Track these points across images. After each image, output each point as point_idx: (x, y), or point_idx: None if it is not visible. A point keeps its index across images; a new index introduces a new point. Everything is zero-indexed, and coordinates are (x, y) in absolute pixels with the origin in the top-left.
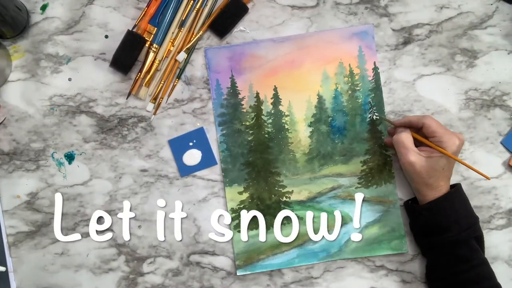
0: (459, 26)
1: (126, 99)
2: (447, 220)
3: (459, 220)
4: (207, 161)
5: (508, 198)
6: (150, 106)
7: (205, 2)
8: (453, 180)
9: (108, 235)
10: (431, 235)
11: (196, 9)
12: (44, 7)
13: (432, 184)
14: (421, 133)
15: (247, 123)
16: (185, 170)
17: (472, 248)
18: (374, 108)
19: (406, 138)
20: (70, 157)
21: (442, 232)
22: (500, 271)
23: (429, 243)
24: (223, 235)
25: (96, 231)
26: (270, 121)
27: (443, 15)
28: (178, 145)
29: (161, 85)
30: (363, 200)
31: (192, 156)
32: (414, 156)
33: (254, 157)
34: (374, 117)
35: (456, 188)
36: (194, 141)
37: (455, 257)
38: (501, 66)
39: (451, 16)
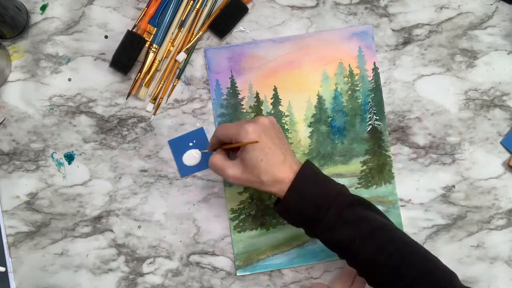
0: (459, 27)
1: (126, 99)
2: (306, 210)
3: (318, 202)
4: (207, 161)
5: (508, 198)
6: (150, 107)
7: (205, 2)
8: (453, 180)
9: (108, 235)
10: (307, 227)
11: (196, 9)
12: (43, 7)
13: (268, 180)
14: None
15: None
16: (185, 171)
17: (348, 221)
18: (374, 108)
19: (216, 159)
20: (69, 158)
21: (311, 222)
22: (500, 271)
23: (312, 234)
24: (222, 235)
25: (96, 231)
26: None
27: (443, 15)
28: (178, 146)
29: (161, 85)
30: None
31: (192, 157)
32: (230, 169)
33: None
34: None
35: (299, 173)
36: (194, 141)
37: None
38: (501, 67)
39: (451, 16)
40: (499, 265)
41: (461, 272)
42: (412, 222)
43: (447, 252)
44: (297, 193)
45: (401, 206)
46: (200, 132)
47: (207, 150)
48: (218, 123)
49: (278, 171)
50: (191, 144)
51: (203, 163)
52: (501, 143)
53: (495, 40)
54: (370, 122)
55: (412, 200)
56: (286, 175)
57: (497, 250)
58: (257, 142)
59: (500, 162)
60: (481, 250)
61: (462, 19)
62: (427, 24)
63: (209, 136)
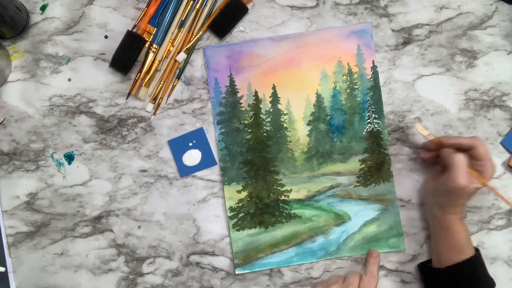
0: (458, 27)
1: (126, 99)
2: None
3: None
4: (207, 161)
5: (508, 198)
6: (150, 107)
7: (205, 2)
8: None
9: (108, 236)
10: None
11: (195, 9)
12: (43, 8)
13: (458, 206)
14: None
15: (246, 122)
16: (184, 171)
17: None
18: (373, 106)
19: (464, 160)
20: (69, 158)
21: None
22: (500, 271)
23: None
24: (222, 235)
25: (96, 231)
26: (268, 119)
27: (443, 15)
28: (178, 146)
29: (160, 85)
30: (362, 199)
31: (192, 157)
32: (467, 181)
33: (253, 155)
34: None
35: (478, 253)
36: (194, 141)
37: None
38: (501, 67)
39: (451, 16)
40: (499, 265)
41: None
42: (412, 222)
43: None
44: (472, 264)
45: (401, 206)
46: (200, 132)
47: (442, 141)
48: (217, 122)
49: (466, 204)
50: (191, 144)
51: (203, 163)
52: (501, 143)
53: (495, 40)
54: (369, 121)
55: (412, 200)
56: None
57: (497, 250)
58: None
59: (500, 162)
60: (481, 250)
61: (462, 19)
62: (427, 24)
63: (209, 136)
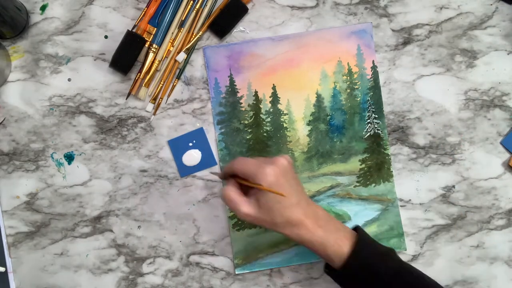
0: (458, 27)
1: (126, 99)
2: (369, 276)
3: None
4: (207, 161)
5: (508, 198)
6: (150, 107)
7: (205, 2)
8: (453, 180)
9: (108, 236)
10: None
11: (195, 9)
12: (43, 8)
13: (280, 222)
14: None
15: (246, 122)
16: (184, 171)
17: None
18: (373, 106)
19: (230, 191)
20: (69, 158)
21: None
22: (500, 271)
23: None
24: (222, 235)
25: (96, 231)
26: (268, 119)
27: (443, 15)
28: (178, 146)
29: (160, 85)
30: (362, 199)
31: (192, 157)
32: (244, 207)
33: (253, 155)
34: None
35: (358, 237)
36: (194, 141)
37: None
38: (501, 67)
39: (451, 16)
40: (499, 265)
41: (461, 272)
42: (412, 222)
43: (447, 252)
44: (357, 262)
45: (401, 206)
46: (200, 132)
47: (216, 175)
48: (217, 122)
49: (291, 213)
50: (191, 144)
51: (203, 163)
52: (501, 143)
53: (495, 40)
54: (369, 121)
55: (412, 200)
56: (299, 217)
57: (497, 250)
58: (283, 195)
59: (500, 162)
60: (481, 250)
61: (462, 19)
62: (427, 24)
63: (209, 136)
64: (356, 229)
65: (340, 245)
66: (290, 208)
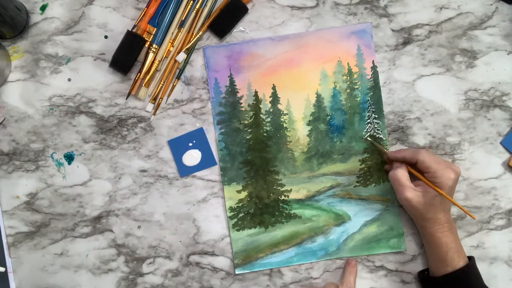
0: (458, 27)
1: (126, 99)
2: None
3: None
4: (207, 161)
5: (508, 198)
6: (150, 107)
7: (205, 2)
8: None
9: (108, 236)
10: None
11: (195, 9)
12: (43, 8)
13: (431, 218)
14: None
15: (246, 122)
16: (184, 171)
17: None
18: (373, 106)
19: (402, 175)
20: (69, 158)
21: None
22: (500, 271)
23: None
24: (222, 235)
25: (96, 231)
26: (268, 119)
27: (443, 15)
28: (178, 146)
29: (160, 85)
30: (362, 199)
31: (192, 157)
32: (410, 193)
33: (253, 155)
34: (369, 137)
35: (472, 262)
36: (194, 141)
37: None
38: (501, 67)
39: (451, 16)
40: (499, 265)
41: None
42: (412, 223)
43: None
44: (463, 278)
45: (401, 206)
46: (200, 132)
47: (388, 154)
48: (217, 122)
49: (443, 215)
50: (190, 144)
51: (203, 163)
52: (501, 143)
53: (495, 40)
54: (369, 121)
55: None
56: (445, 218)
57: (497, 250)
58: (474, 218)
59: (500, 162)
60: (481, 250)
61: (462, 19)
62: (427, 24)
63: (209, 136)
64: (471, 258)
65: (459, 257)
66: (444, 211)
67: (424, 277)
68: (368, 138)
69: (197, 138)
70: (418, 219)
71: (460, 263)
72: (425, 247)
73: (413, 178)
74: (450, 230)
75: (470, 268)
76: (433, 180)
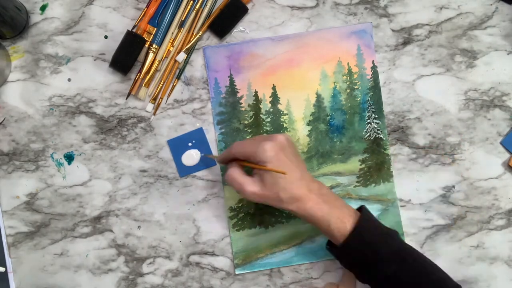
0: (458, 27)
1: (126, 99)
2: (368, 256)
3: (380, 252)
4: (206, 161)
5: (508, 198)
6: (150, 107)
7: (205, 2)
8: (453, 180)
9: (108, 236)
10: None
11: (195, 9)
12: (43, 8)
13: (288, 197)
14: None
15: (246, 122)
16: (184, 171)
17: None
18: (373, 106)
19: (234, 172)
20: (69, 158)
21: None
22: (500, 271)
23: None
24: (222, 235)
25: (96, 231)
26: (268, 119)
27: (443, 15)
28: (177, 146)
29: (160, 85)
30: (362, 199)
31: (191, 157)
32: (249, 186)
33: None
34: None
35: (360, 217)
36: (193, 141)
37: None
38: (501, 67)
39: (451, 16)
40: (499, 265)
41: (461, 272)
42: (412, 223)
43: (447, 253)
44: (359, 239)
45: (401, 206)
46: (200, 132)
47: (215, 158)
48: (217, 122)
49: (296, 188)
50: (190, 144)
51: (202, 163)
52: (501, 143)
53: (495, 40)
54: (369, 121)
55: (412, 200)
56: (304, 192)
57: (497, 250)
58: (284, 173)
59: (500, 162)
60: (481, 250)
61: (462, 19)
62: (427, 24)
63: (209, 136)
64: (361, 208)
65: (343, 222)
66: (294, 183)
67: (329, 248)
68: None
69: (196, 138)
70: (280, 206)
71: (347, 227)
72: None
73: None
74: (319, 200)
75: (360, 225)
76: (255, 161)
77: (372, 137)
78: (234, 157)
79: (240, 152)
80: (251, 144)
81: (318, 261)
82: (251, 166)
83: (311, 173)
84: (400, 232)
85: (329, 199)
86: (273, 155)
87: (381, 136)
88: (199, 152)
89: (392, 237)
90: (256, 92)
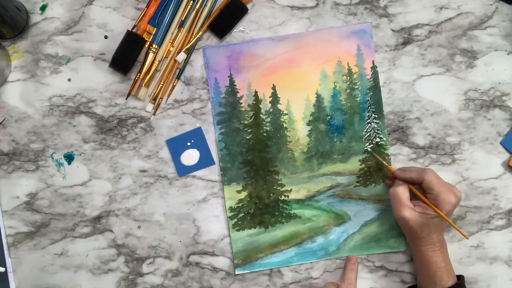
0: (458, 27)
1: (126, 99)
2: None
3: None
4: (205, 161)
5: (508, 198)
6: (150, 107)
7: (205, 2)
8: (453, 180)
9: (108, 236)
10: None
11: (195, 9)
12: (43, 8)
13: (424, 237)
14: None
15: (246, 122)
16: (183, 170)
17: None
18: (373, 106)
19: (402, 193)
20: (69, 158)
21: None
22: (499, 271)
23: None
24: (222, 235)
25: (96, 231)
26: (268, 119)
27: (443, 15)
28: (176, 145)
29: (160, 85)
30: (362, 199)
31: (190, 156)
32: (408, 212)
33: (253, 155)
34: (369, 149)
35: (461, 281)
36: (192, 141)
37: None
38: (501, 67)
39: (451, 16)
40: (498, 265)
41: (461, 273)
42: None
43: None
44: None
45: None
46: (198, 131)
47: (394, 172)
48: (217, 122)
49: (437, 235)
50: (189, 143)
51: (201, 163)
52: (501, 143)
53: (494, 40)
54: (368, 121)
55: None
56: (438, 240)
57: (497, 250)
58: (467, 238)
59: (500, 162)
60: (481, 250)
61: (461, 19)
62: (427, 25)
63: (209, 136)
64: (460, 277)
65: (448, 276)
66: (438, 231)
67: None
68: (369, 149)
69: (195, 138)
70: (412, 237)
71: (448, 282)
72: (415, 264)
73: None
74: (441, 249)
75: (460, 284)
76: (434, 202)
77: (372, 138)
78: (415, 181)
79: (431, 183)
80: (442, 185)
81: (318, 261)
82: (434, 208)
83: (311, 173)
84: (399, 231)
85: (445, 251)
86: (450, 211)
87: (381, 135)
88: (198, 152)
89: None
90: (256, 92)
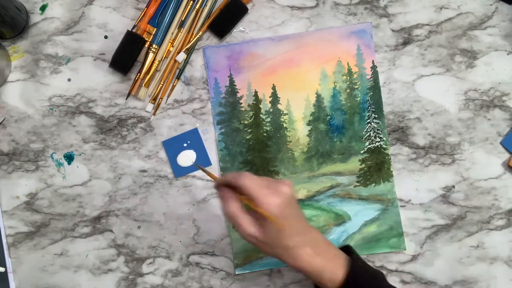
0: (458, 27)
1: (126, 99)
2: None
3: None
4: (202, 162)
5: (508, 198)
6: (150, 107)
7: (205, 2)
8: (453, 180)
9: (108, 236)
10: None
11: (195, 9)
12: (43, 8)
13: (287, 249)
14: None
15: (246, 122)
16: (179, 171)
17: None
18: (373, 106)
19: (233, 208)
20: (69, 158)
21: None
22: (499, 271)
23: None
24: (222, 235)
25: (96, 231)
26: (268, 119)
27: (443, 15)
28: (172, 146)
29: (160, 85)
30: (362, 199)
31: (187, 157)
32: (251, 227)
33: (253, 155)
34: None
35: (351, 263)
36: (189, 142)
37: None
38: (501, 67)
39: (451, 16)
40: (498, 265)
41: (461, 273)
42: (412, 223)
43: (447, 253)
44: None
45: (401, 206)
46: (195, 132)
47: (214, 177)
48: (217, 122)
49: (293, 242)
50: (185, 144)
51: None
52: (501, 143)
53: (494, 41)
54: (368, 121)
55: (412, 200)
56: (300, 246)
57: (497, 251)
58: (285, 229)
59: (500, 162)
60: (480, 251)
61: (461, 20)
62: (427, 25)
63: (209, 136)
64: (349, 250)
65: (335, 272)
66: (292, 237)
67: None
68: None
69: (191, 139)
70: (276, 253)
71: (339, 277)
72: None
73: None
74: (313, 253)
75: (351, 275)
76: (259, 205)
77: (372, 138)
78: (234, 186)
79: (246, 188)
80: (261, 188)
81: None
82: (255, 209)
83: (311, 173)
84: (400, 232)
85: (323, 251)
86: (277, 212)
87: (381, 135)
88: (194, 153)
89: (379, 279)
90: (256, 92)
